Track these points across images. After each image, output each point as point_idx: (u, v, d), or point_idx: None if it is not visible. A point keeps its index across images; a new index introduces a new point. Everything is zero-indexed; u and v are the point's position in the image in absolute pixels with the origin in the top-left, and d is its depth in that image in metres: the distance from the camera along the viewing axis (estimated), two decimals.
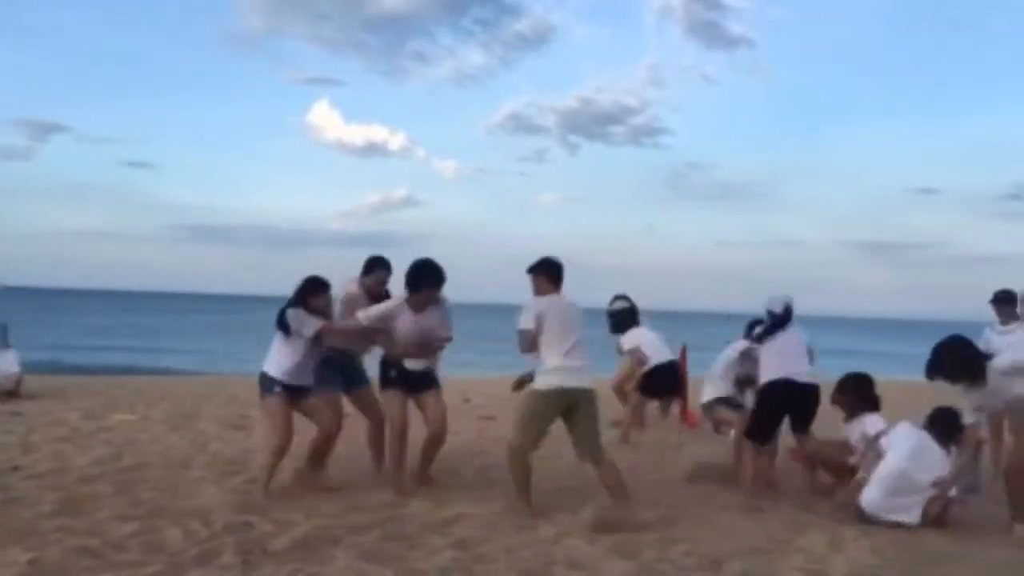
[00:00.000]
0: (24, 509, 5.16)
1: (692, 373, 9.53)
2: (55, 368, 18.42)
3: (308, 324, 5.74)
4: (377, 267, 6.38)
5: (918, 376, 5.80)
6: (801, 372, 6.05)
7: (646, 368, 8.48)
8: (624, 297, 9.02)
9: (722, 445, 7.27)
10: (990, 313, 7.31)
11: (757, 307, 6.44)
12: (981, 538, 5.26)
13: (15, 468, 6.29)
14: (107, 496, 5.58)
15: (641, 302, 9.09)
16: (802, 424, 6.13)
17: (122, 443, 7.53)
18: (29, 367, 11.64)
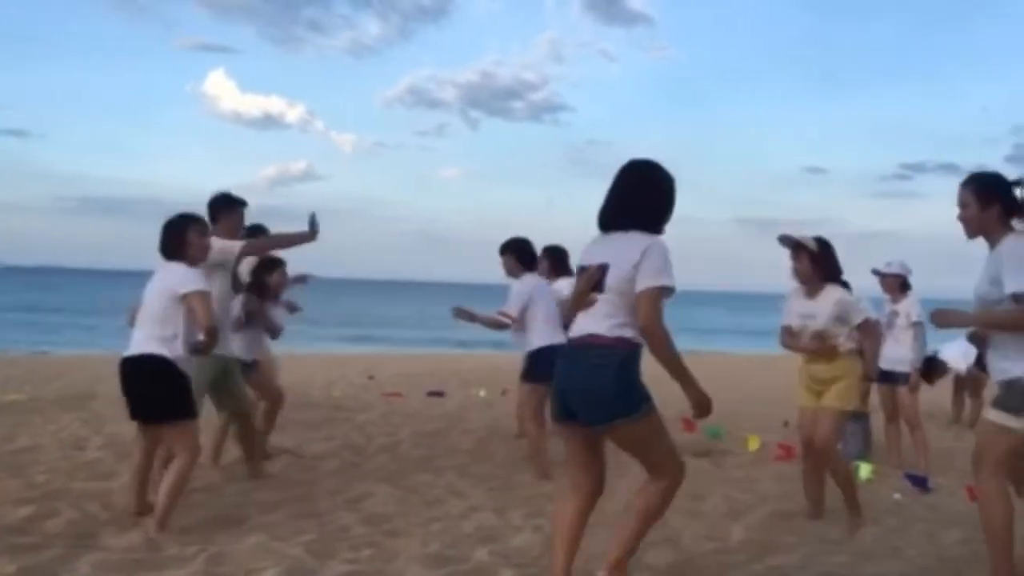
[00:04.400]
0: None
1: None
2: None
3: None
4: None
5: None
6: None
7: None
8: None
9: None
10: (877, 288, 7.61)
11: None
12: None
13: None
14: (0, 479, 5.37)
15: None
16: None
17: (13, 424, 7.23)
18: None
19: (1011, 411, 3.60)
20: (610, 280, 3.35)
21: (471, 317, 6.05)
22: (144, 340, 4.40)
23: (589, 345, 3.37)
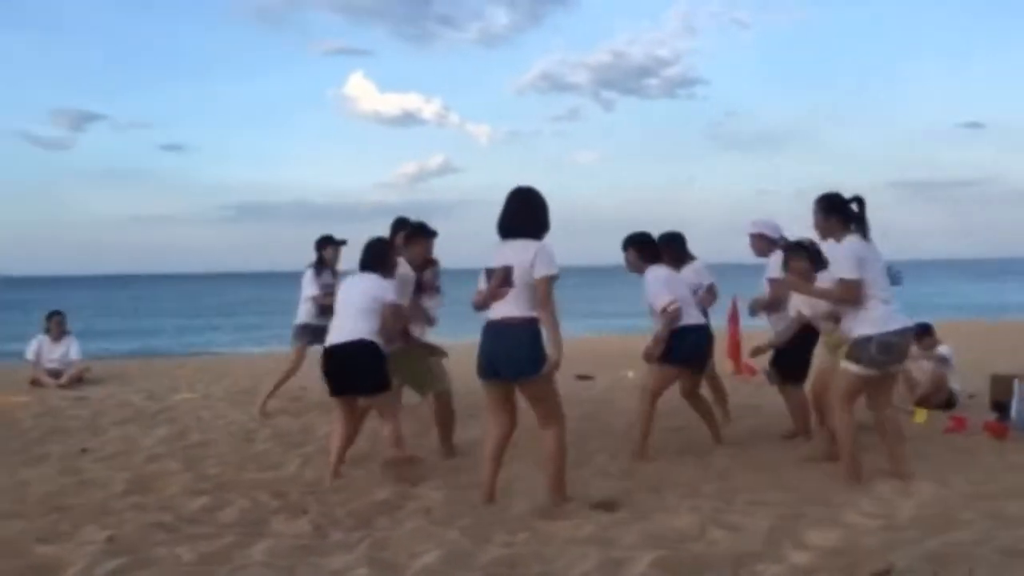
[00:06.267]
0: (96, 489, 5.28)
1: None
2: (113, 353, 18.81)
3: None
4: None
5: (979, 317, 5.69)
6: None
7: None
8: None
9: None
10: None
11: None
12: None
13: (84, 451, 6.44)
14: (176, 473, 5.70)
15: None
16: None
17: (186, 421, 7.68)
18: (87, 354, 11.82)
19: (853, 360, 4.99)
20: (515, 277, 4.54)
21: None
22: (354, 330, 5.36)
23: (509, 323, 4.57)
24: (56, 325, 10.93)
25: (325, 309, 7.62)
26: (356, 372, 5.33)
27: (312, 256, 8.08)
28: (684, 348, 5.88)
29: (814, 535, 4.09)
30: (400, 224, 6.50)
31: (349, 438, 5.58)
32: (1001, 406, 6.91)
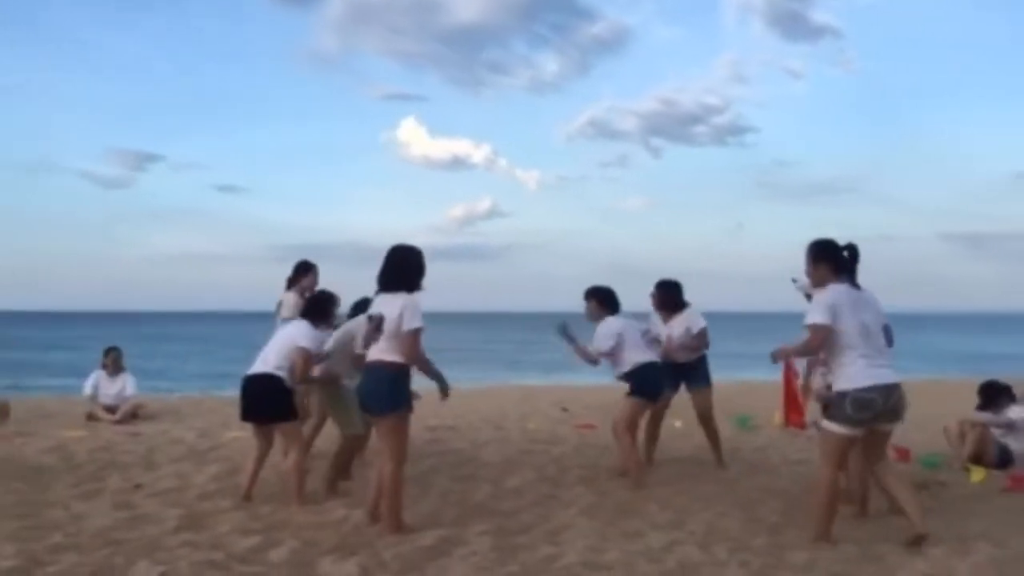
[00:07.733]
0: (150, 525, 5.37)
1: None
2: (168, 389, 19.09)
3: None
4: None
5: None
6: None
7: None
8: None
9: None
10: None
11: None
12: None
13: (138, 486, 6.54)
14: (227, 511, 5.76)
15: (734, 304, 8.99)
16: None
17: (238, 459, 7.74)
18: (142, 389, 11.96)
19: (830, 418, 4.91)
20: (385, 326, 5.05)
21: (571, 339, 6.72)
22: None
23: (378, 366, 5.11)
24: (113, 361, 11.13)
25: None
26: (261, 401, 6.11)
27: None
28: (645, 382, 6.67)
29: None
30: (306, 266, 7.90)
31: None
32: None
